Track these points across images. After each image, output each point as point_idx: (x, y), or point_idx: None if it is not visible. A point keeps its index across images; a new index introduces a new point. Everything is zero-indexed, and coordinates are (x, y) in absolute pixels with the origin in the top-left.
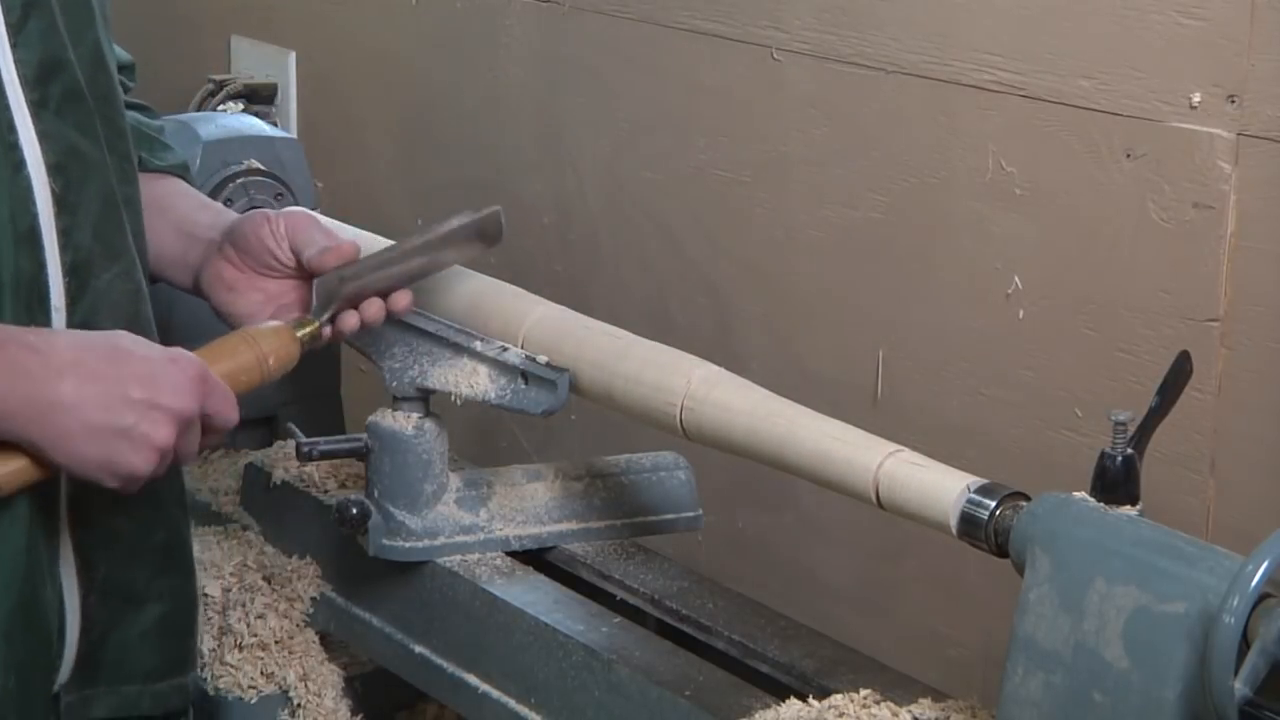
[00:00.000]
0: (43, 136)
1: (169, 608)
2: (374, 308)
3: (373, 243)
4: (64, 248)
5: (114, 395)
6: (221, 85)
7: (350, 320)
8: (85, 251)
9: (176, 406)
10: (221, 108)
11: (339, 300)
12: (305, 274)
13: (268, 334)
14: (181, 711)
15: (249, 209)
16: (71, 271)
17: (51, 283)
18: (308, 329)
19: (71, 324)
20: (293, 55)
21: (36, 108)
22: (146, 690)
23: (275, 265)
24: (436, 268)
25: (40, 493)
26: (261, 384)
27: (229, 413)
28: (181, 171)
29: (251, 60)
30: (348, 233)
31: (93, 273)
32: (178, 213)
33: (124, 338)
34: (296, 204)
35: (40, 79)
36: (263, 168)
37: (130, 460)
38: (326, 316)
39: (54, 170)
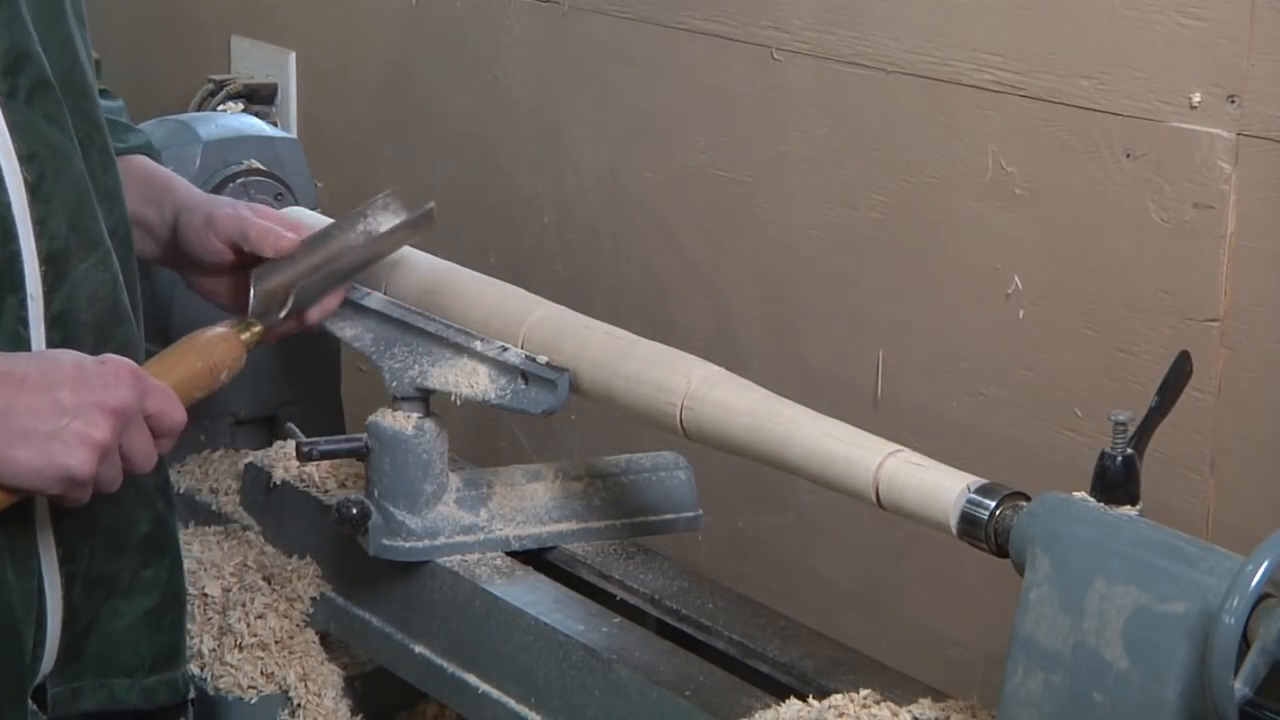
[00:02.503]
0: (13, 126)
1: (156, 600)
2: (318, 312)
3: (315, 222)
4: (39, 236)
5: (43, 400)
6: (221, 85)
7: (289, 326)
8: (62, 240)
9: (110, 402)
10: (221, 108)
11: (280, 301)
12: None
13: (215, 341)
14: (173, 706)
15: None
16: (49, 260)
17: (27, 270)
18: (252, 331)
19: (50, 313)
20: (293, 55)
21: (6, 98)
22: (136, 684)
23: (227, 264)
24: (373, 261)
25: None
26: (210, 391)
27: (173, 411)
28: (145, 151)
29: (251, 60)
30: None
31: (70, 262)
32: (130, 206)
33: (54, 350)
34: (296, 204)
35: (8, 70)
36: (263, 168)
37: (66, 461)
38: (278, 317)
39: (26, 160)
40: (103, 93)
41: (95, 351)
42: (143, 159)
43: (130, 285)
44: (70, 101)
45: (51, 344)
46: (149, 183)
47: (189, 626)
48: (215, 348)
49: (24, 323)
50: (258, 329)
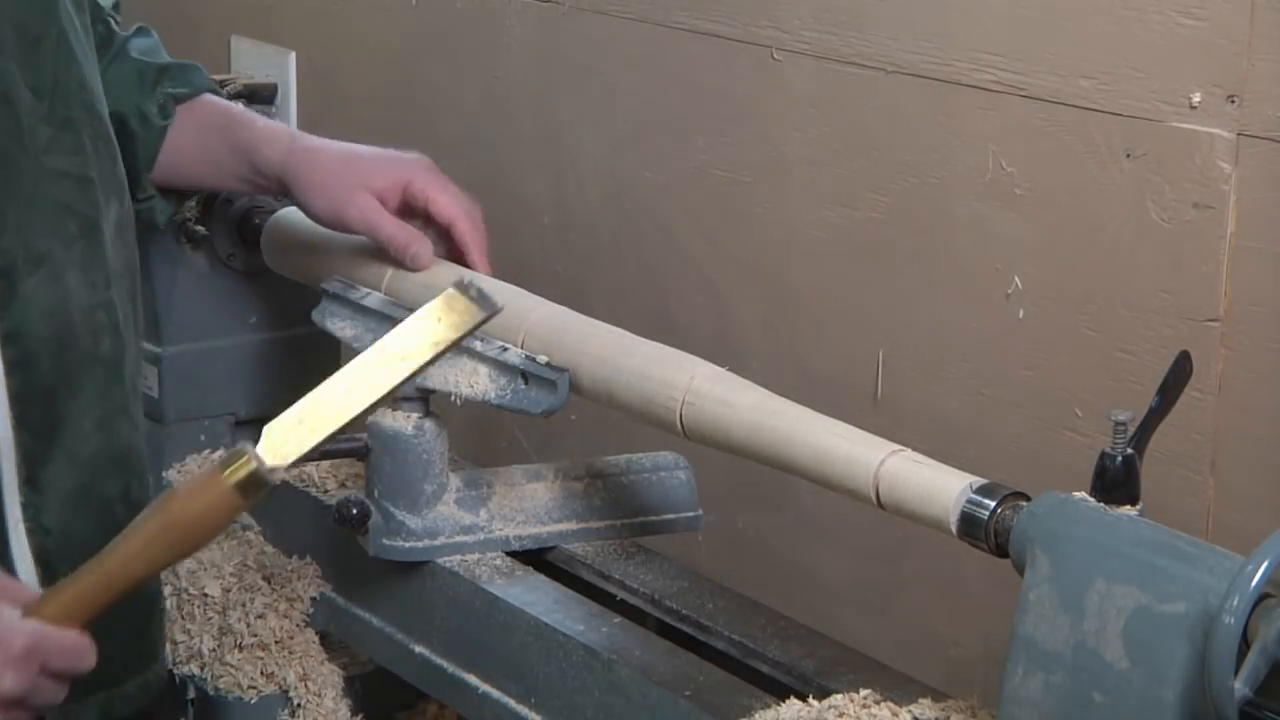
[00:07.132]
0: None
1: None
2: None
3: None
4: None
5: None
6: (221, 85)
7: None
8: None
9: None
10: None
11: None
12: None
13: (190, 507)
14: (171, 706)
15: (250, 207)
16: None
17: None
18: (241, 471)
19: (4, 329)
20: (293, 55)
21: None
22: (115, 693)
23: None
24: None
25: None
26: (187, 556)
27: (77, 664)
28: (206, 89)
29: (251, 60)
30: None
31: (18, 277)
32: (206, 156)
33: None
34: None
35: None
36: None
37: None
38: (288, 464)
39: None
40: (139, 30)
41: (53, 369)
42: (211, 101)
43: (126, 275)
44: (61, 99)
45: (7, 362)
46: (229, 133)
47: (188, 626)
48: (187, 516)
49: None
50: (249, 469)
